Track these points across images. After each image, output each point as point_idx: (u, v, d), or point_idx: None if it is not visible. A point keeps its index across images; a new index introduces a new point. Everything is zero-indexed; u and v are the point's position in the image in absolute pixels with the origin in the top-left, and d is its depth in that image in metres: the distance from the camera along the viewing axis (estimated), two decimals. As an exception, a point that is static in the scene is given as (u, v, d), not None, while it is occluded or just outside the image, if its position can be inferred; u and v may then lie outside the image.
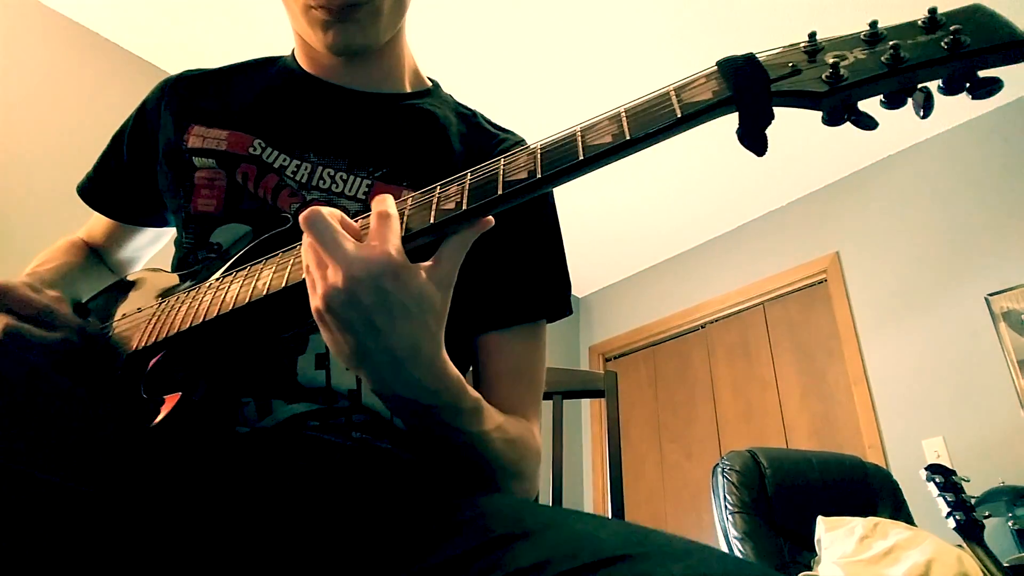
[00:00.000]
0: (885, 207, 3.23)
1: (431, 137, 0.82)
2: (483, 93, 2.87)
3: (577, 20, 2.68)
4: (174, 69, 0.99)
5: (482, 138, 0.85)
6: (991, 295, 2.75)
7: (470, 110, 0.90)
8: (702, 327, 3.84)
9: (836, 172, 3.42)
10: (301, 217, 0.50)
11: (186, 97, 0.84)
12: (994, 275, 2.77)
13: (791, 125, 0.66)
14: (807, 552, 1.94)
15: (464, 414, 0.57)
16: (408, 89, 0.87)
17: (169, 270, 0.79)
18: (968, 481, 1.70)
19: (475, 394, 0.58)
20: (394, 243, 0.50)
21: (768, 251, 3.62)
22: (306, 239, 0.51)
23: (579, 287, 4.36)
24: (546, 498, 1.13)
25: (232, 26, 2.69)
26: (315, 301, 0.50)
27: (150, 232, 0.97)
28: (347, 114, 0.81)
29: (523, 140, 0.87)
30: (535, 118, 3.03)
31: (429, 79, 0.91)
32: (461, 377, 0.56)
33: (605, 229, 3.81)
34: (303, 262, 0.52)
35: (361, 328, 0.49)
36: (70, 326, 0.70)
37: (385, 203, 0.53)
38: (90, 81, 2.67)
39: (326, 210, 0.51)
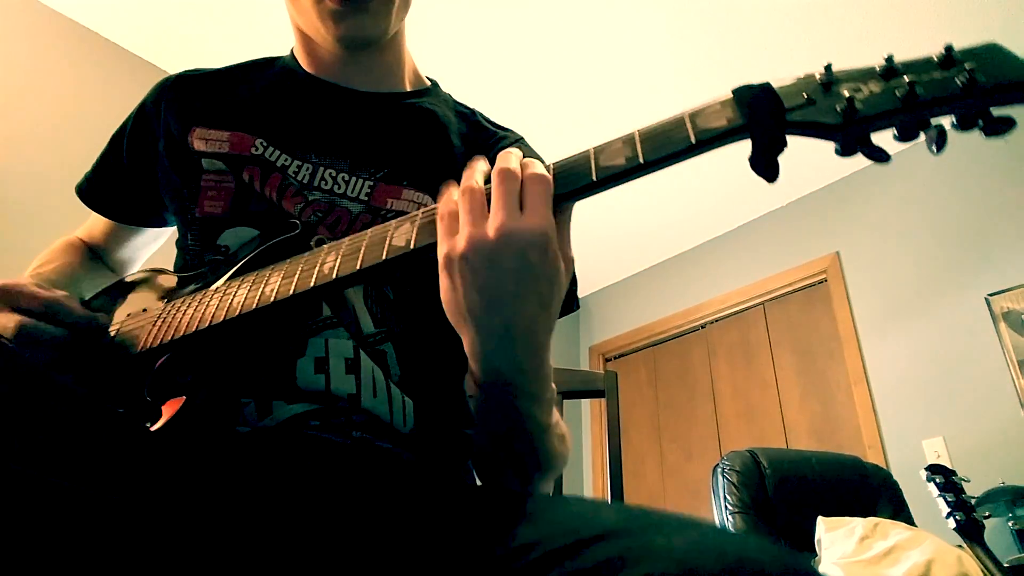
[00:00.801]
0: (885, 207, 3.23)
1: (432, 136, 0.82)
2: (483, 93, 2.87)
3: (577, 20, 2.68)
4: (174, 69, 0.98)
5: (482, 136, 0.85)
6: (991, 295, 2.75)
7: (469, 109, 0.90)
8: (702, 327, 3.85)
9: (836, 172, 3.42)
10: (496, 169, 0.51)
11: (186, 98, 0.84)
12: (994, 275, 2.77)
13: (792, 125, 0.66)
14: (807, 552, 1.94)
15: (540, 404, 0.57)
16: (408, 88, 0.87)
17: (171, 270, 0.79)
18: (968, 481, 1.69)
19: (553, 387, 0.59)
20: (549, 216, 0.50)
21: (768, 251, 3.62)
22: (469, 186, 0.51)
23: (579, 287, 4.35)
24: (546, 498, 1.13)
25: (232, 26, 2.69)
26: (454, 244, 0.50)
27: (150, 232, 0.97)
28: (348, 114, 0.81)
29: (522, 138, 0.88)
30: (535, 118, 3.03)
31: (428, 78, 0.92)
32: (551, 368, 0.57)
33: (605, 229, 3.81)
34: (450, 199, 0.52)
35: (490, 287, 0.49)
36: (79, 321, 0.70)
37: (534, 165, 0.52)
38: (89, 81, 2.67)
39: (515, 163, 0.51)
